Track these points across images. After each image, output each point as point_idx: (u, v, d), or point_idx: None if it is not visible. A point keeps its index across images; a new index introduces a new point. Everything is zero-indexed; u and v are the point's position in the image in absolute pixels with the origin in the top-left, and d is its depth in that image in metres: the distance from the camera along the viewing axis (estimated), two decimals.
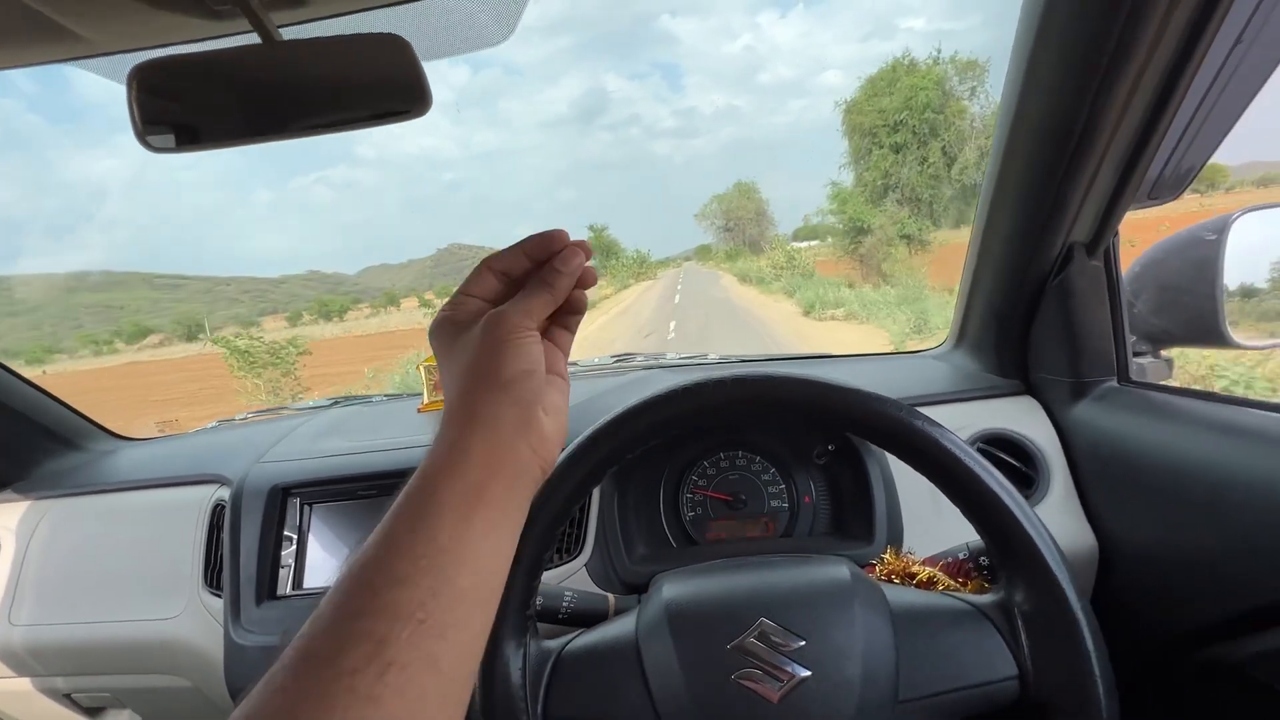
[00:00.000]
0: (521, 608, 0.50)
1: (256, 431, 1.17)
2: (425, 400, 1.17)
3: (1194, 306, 0.78)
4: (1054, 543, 0.48)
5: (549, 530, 0.51)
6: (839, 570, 0.54)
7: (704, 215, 71.88)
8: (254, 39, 0.63)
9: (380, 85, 0.65)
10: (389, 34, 0.63)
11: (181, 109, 0.63)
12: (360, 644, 0.30)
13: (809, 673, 0.47)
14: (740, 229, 67.71)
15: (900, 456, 0.52)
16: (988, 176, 0.83)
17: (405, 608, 0.31)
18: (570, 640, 0.52)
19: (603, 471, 0.53)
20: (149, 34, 0.66)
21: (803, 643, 0.48)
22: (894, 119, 22.79)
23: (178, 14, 0.63)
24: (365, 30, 0.65)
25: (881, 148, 23.26)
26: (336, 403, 1.37)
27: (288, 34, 0.63)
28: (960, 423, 0.87)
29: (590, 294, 0.46)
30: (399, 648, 0.30)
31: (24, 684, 0.94)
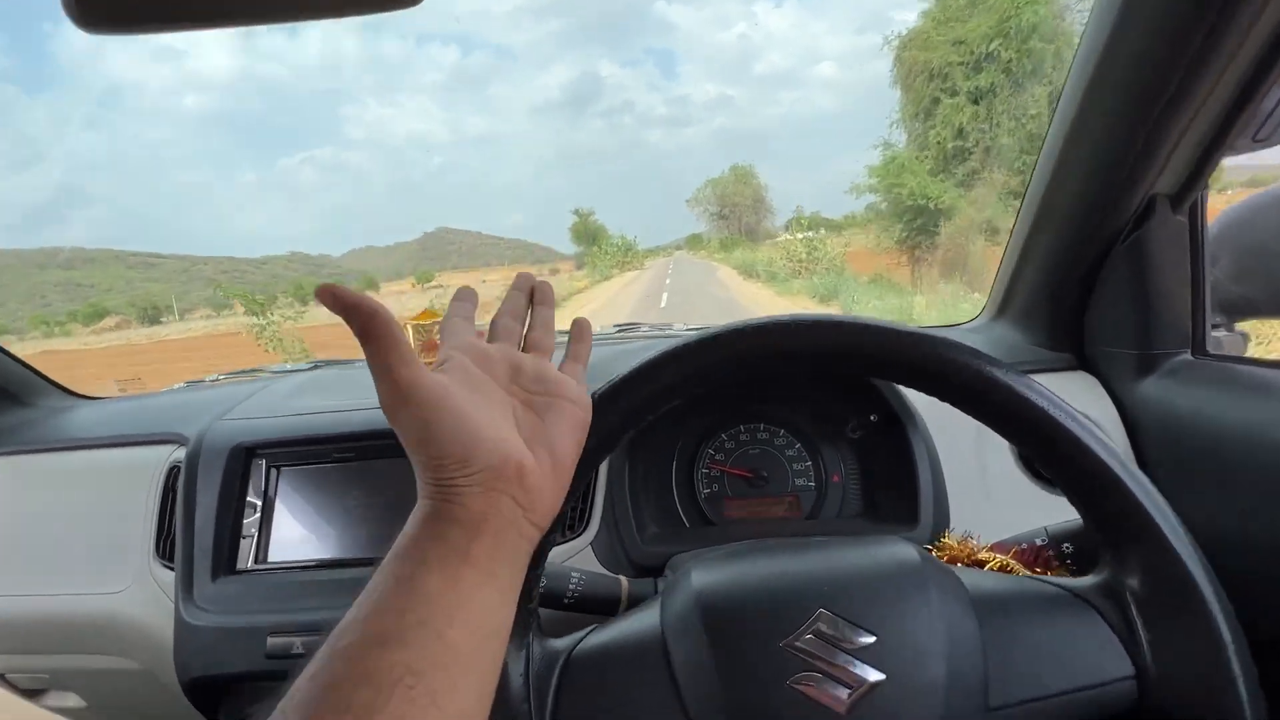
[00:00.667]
0: (523, 600, 0.41)
1: (226, 392, 1.06)
2: None
3: None
4: (1173, 514, 0.40)
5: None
6: (906, 551, 0.44)
7: (697, 201, 66.70)
8: None
9: None
10: None
11: None
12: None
13: (882, 676, 0.38)
14: (736, 216, 63.02)
15: (983, 419, 0.43)
16: (1056, 120, 0.74)
17: (391, 673, 0.28)
18: (582, 639, 0.43)
19: (638, 419, 0.43)
20: None
21: (872, 639, 0.39)
22: (978, 52, 14.26)
23: None
24: None
25: (955, 95, 14.62)
26: (318, 365, 1.26)
27: None
28: None
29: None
30: None
31: None
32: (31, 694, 0.88)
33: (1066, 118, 0.71)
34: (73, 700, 0.88)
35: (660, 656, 0.40)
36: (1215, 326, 0.77)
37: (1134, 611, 0.39)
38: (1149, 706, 0.39)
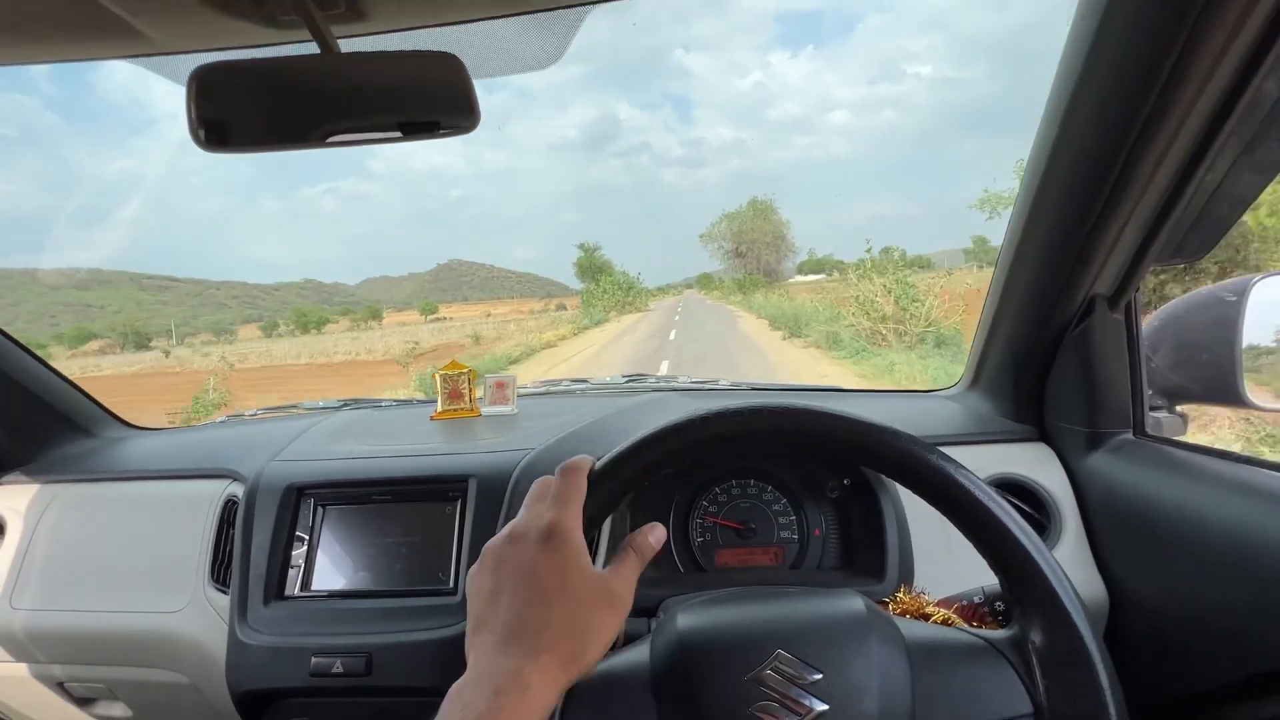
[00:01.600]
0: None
1: (269, 428, 1.17)
2: (439, 409, 1.18)
3: (1212, 365, 0.79)
4: (1069, 581, 0.49)
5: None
6: (854, 603, 0.54)
7: (711, 236, 59.73)
8: (313, 48, 0.64)
9: (432, 100, 0.67)
10: (444, 52, 0.65)
11: (238, 112, 0.65)
12: None
13: (825, 706, 0.47)
14: (754, 254, 56.81)
15: (920, 494, 0.52)
16: (1013, 219, 0.84)
17: None
18: None
19: (634, 486, 0.53)
20: (211, 36, 0.68)
21: (819, 675, 0.48)
22: None
23: (241, 20, 0.65)
24: (421, 47, 0.67)
25: None
26: (346, 404, 1.37)
27: (346, 46, 0.66)
28: (973, 465, 0.86)
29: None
30: None
31: (18, 669, 0.93)
32: (82, 702, 0.97)
33: (1021, 216, 0.81)
34: (119, 710, 0.97)
35: (648, 685, 0.50)
36: (1156, 409, 0.86)
37: (1034, 661, 0.48)
38: None
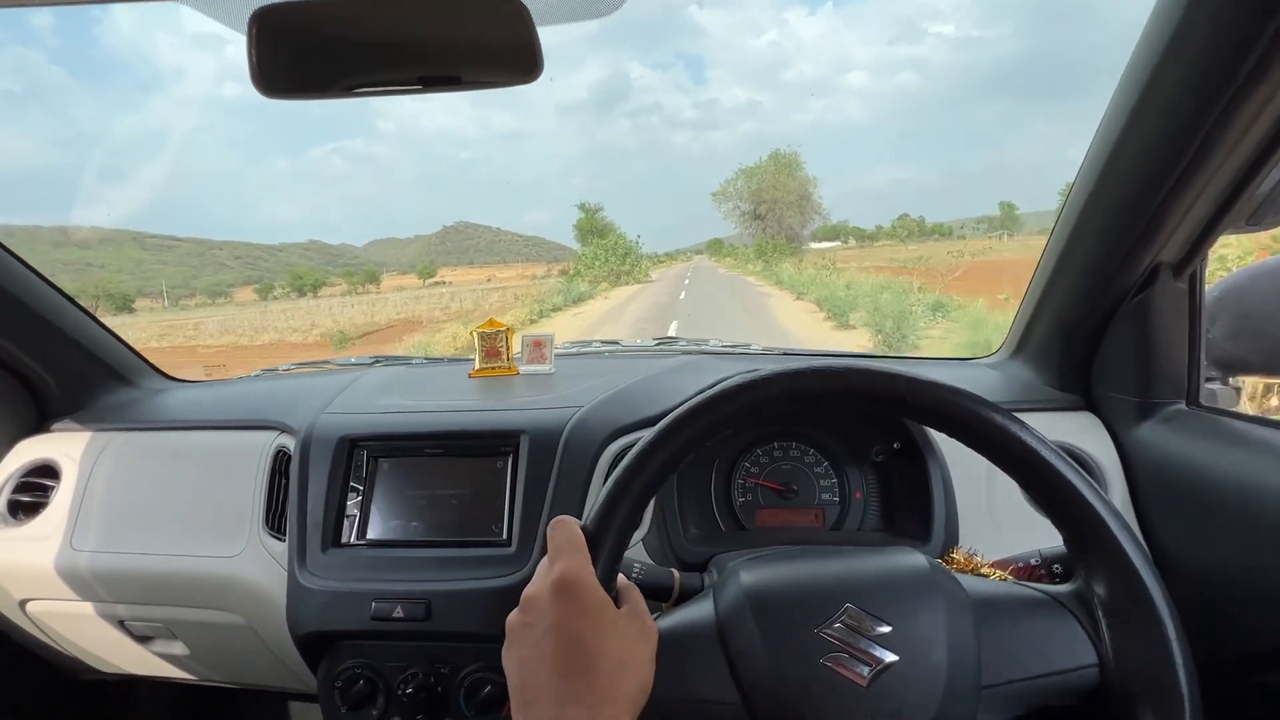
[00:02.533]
0: (606, 585, 0.50)
1: (308, 383, 1.18)
2: (477, 366, 1.19)
3: (1275, 336, 0.78)
4: (1133, 533, 0.49)
5: (638, 506, 0.52)
6: (917, 559, 0.54)
7: (725, 194, 48.53)
8: None
9: (495, 48, 0.65)
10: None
11: (298, 56, 0.64)
12: None
13: (896, 657, 0.48)
14: (775, 216, 46.39)
15: (981, 450, 0.53)
16: (1077, 186, 0.83)
17: None
18: None
19: (692, 449, 0.53)
20: None
21: (888, 628, 0.49)
22: None
23: None
24: None
25: None
26: (378, 360, 1.38)
27: None
28: None
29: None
30: None
31: (82, 608, 0.97)
32: (142, 639, 1.01)
33: (1087, 183, 0.80)
34: (178, 648, 1.01)
35: (716, 639, 0.51)
36: (1210, 380, 0.85)
37: (1099, 613, 0.49)
38: (1107, 687, 0.49)
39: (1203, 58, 0.60)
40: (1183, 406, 0.83)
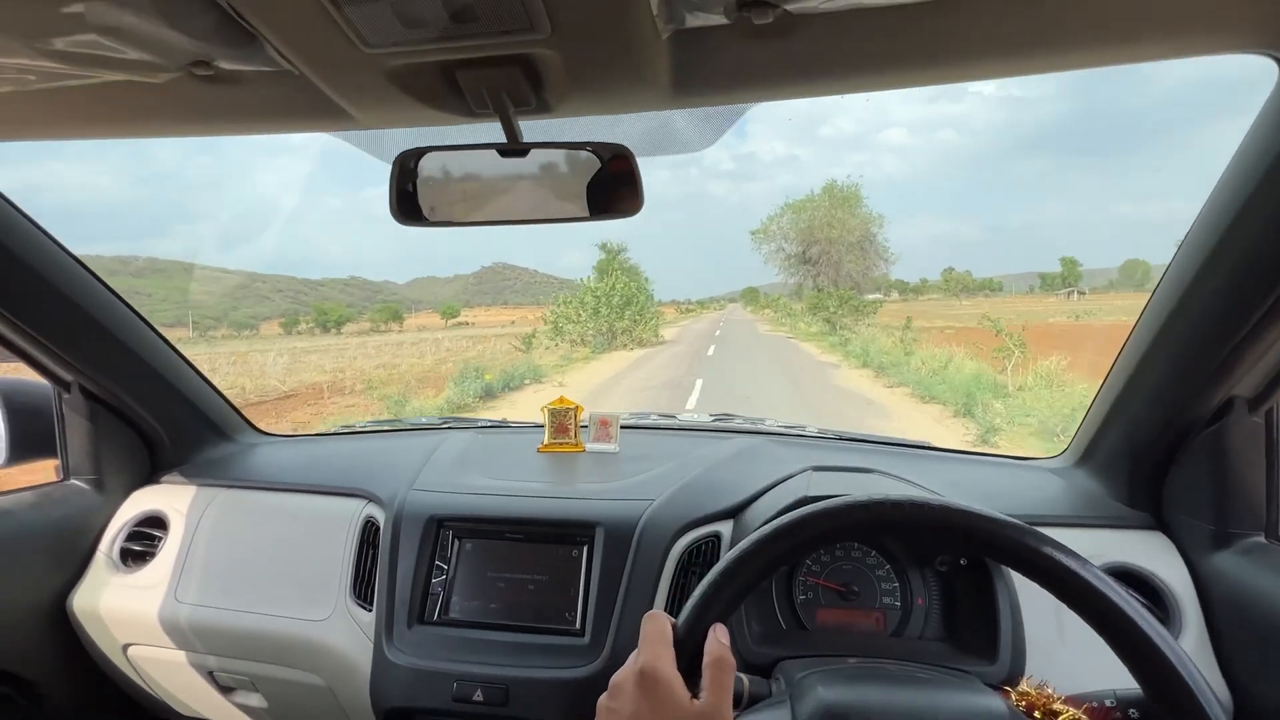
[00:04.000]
0: (690, 679, 0.53)
1: (389, 446, 1.27)
2: (546, 441, 1.25)
3: None
4: (1214, 694, 0.50)
5: (735, 600, 0.56)
6: (996, 705, 0.56)
7: (767, 233, 38.86)
8: (501, 137, 0.72)
9: (602, 186, 0.73)
10: (617, 144, 0.71)
11: (433, 192, 0.73)
12: None
13: None
14: (830, 260, 36.94)
15: (1060, 596, 0.55)
16: (1159, 300, 0.82)
17: None
18: None
19: (785, 562, 0.57)
20: (411, 119, 0.76)
21: None
22: None
23: (442, 110, 0.72)
24: (592, 132, 0.74)
25: None
26: (446, 421, 1.46)
27: (528, 133, 0.72)
28: (1085, 551, 0.86)
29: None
30: None
31: (177, 655, 1.05)
32: (226, 690, 1.08)
33: (1165, 306, 0.80)
34: (256, 700, 1.07)
35: None
36: None
37: None
38: None
39: None
40: (1262, 539, 0.82)
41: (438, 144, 0.72)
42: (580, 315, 21.36)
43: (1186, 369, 0.80)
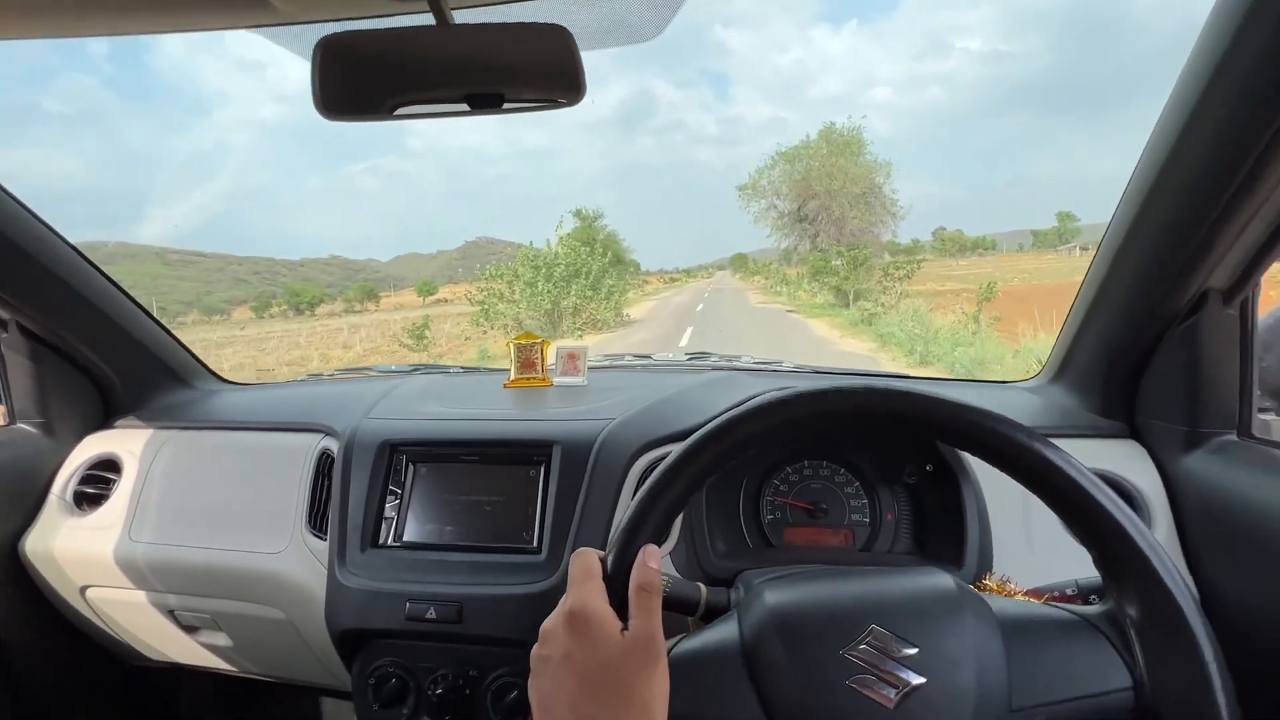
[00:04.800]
0: (624, 609, 0.50)
1: (351, 388, 1.23)
2: (512, 376, 1.22)
3: None
4: (1166, 553, 0.48)
5: (664, 522, 0.53)
6: (944, 580, 0.54)
7: (756, 188, 32.88)
8: (429, 19, 0.66)
9: (541, 72, 0.68)
10: (554, 24, 0.66)
11: (358, 81, 0.68)
12: None
13: (922, 679, 0.47)
14: (829, 215, 31.05)
15: (1008, 472, 0.52)
16: (1123, 207, 0.81)
17: None
18: (674, 645, 0.52)
19: (717, 468, 0.54)
20: (333, 8, 0.70)
21: (915, 650, 0.48)
22: None
23: None
24: (530, 18, 0.69)
25: None
26: (417, 369, 1.43)
27: (460, 17, 0.67)
28: None
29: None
30: None
31: (136, 596, 1.02)
32: (189, 629, 1.06)
33: (1134, 204, 0.78)
34: (221, 639, 1.05)
35: (741, 660, 0.50)
36: (1264, 410, 0.82)
37: (1132, 635, 0.48)
38: (1144, 710, 0.47)
39: (1256, 74, 0.59)
40: (1233, 437, 0.80)
41: (359, 27, 0.67)
42: (514, 291, 15.70)
43: (1159, 261, 0.77)
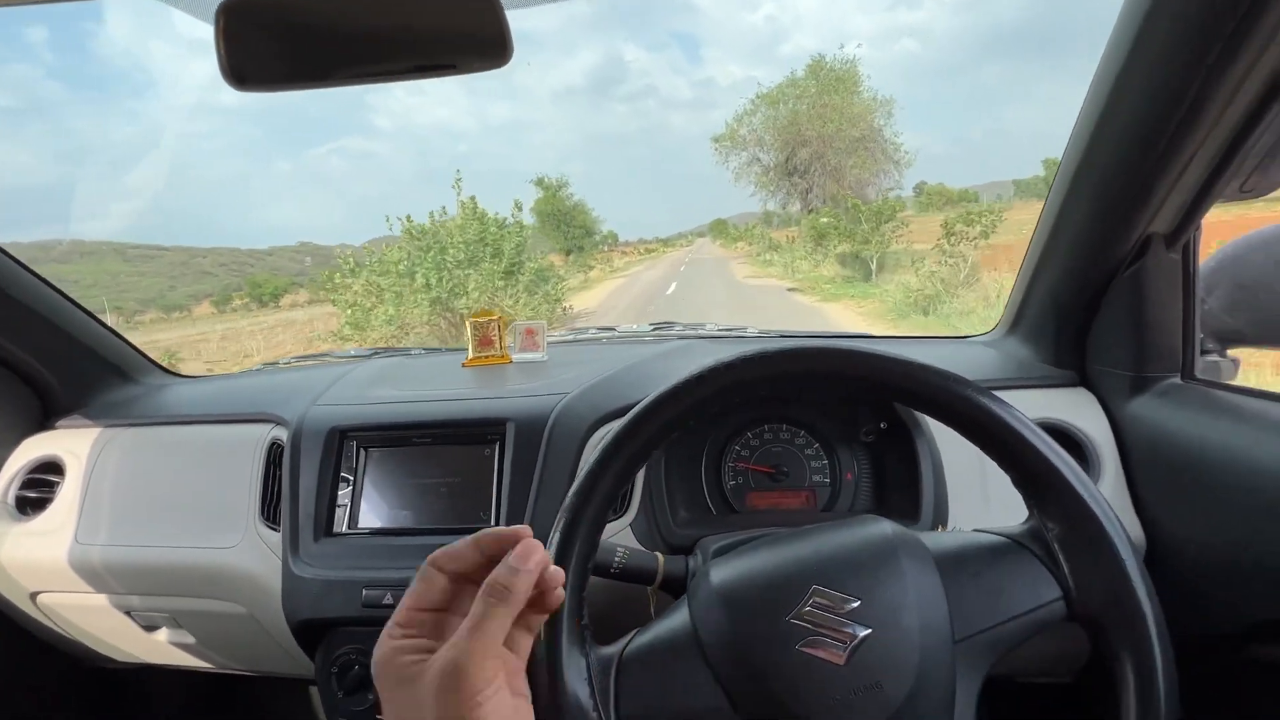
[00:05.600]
0: (577, 618, 0.49)
1: (304, 375, 1.20)
2: (470, 355, 1.19)
3: (1273, 306, 0.76)
4: (1076, 466, 0.50)
5: (608, 497, 0.52)
6: (879, 527, 0.54)
7: (734, 139, 28.13)
8: None
9: (463, 34, 0.64)
10: None
11: (266, 49, 0.63)
12: None
13: (869, 630, 0.48)
14: (823, 167, 26.11)
15: (938, 417, 0.53)
16: (1066, 157, 0.81)
17: None
18: (629, 643, 0.52)
19: (666, 436, 0.53)
20: None
21: (857, 603, 0.49)
22: None
23: None
24: None
25: None
26: (377, 353, 1.39)
27: None
28: None
29: None
30: None
31: (92, 599, 1.00)
32: (150, 629, 1.04)
33: (1076, 154, 0.78)
34: (185, 636, 1.03)
35: (694, 644, 0.50)
36: (1208, 353, 0.83)
37: (1055, 546, 0.50)
38: (1075, 616, 0.50)
39: (1188, 15, 0.58)
40: (1177, 380, 0.81)
41: None
42: (383, 292, 9.35)
43: (1103, 209, 0.77)
